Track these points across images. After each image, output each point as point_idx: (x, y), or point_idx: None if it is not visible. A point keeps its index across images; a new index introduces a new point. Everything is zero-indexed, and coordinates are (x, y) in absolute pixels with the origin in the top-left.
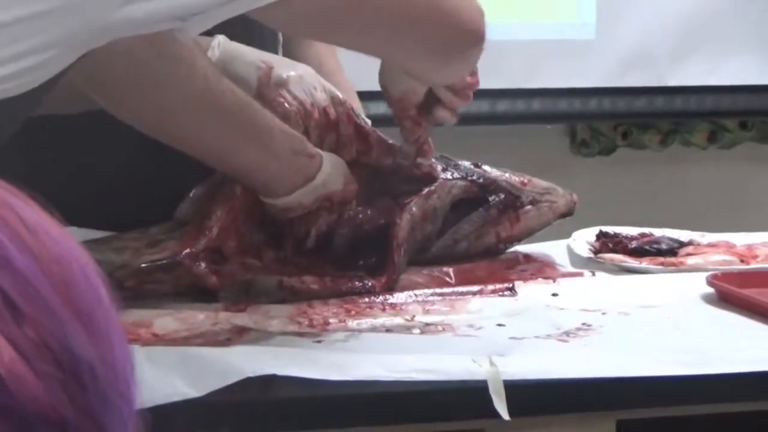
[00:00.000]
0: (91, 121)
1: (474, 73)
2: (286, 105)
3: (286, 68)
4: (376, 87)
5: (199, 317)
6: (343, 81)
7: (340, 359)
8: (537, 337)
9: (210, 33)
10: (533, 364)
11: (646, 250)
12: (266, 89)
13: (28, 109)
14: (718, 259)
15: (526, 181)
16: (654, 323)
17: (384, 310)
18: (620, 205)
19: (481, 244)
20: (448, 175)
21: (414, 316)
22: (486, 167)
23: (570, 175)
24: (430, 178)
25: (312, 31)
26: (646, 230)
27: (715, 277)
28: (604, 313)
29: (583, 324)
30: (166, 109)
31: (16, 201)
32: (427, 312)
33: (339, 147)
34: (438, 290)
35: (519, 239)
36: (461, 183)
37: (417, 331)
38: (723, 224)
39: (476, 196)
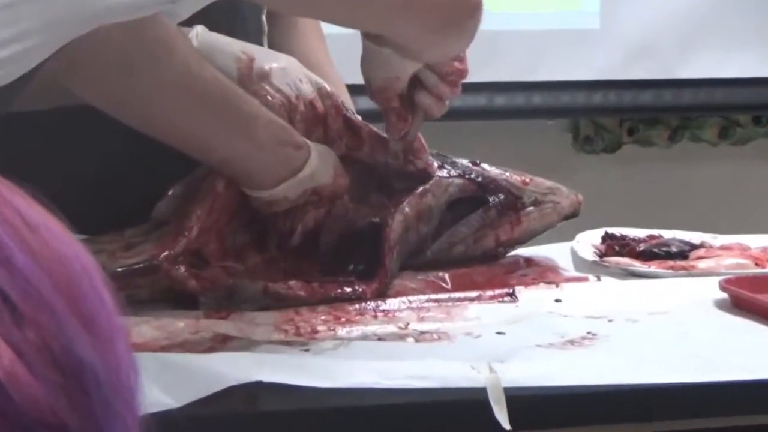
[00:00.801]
0: (60, 117)
1: (462, 60)
2: (269, 98)
3: (268, 59)
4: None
5: (179, 325)
6: (332, 73)
7: (329, 366)
8: (539, 345)
9: (189, 23)
10: (536, 371)
11: (654, 253)
12: (247, 82)
13: (7, 103)
14: (731, 263)
15: (527, 180)
16: (664, 330)
17: (376, 317)
18: (627, 206)
19: (479, 247)
20: (444, 173)
21: (408, 324)
22: (485, 165)
23: (573, 173)
24: (426, 175)
25: (305, 5)
26: (655, 232)
27: (728, 281)
28: (610, 321)
29: (589, 332)
30: (145, 95)
31: (17, 199)
32: (421, 319)
33: (327, 142)
34: (433, 296)
35: (520, 242)
36: (458, 181)
37: (411, 339)
38: (736, 225)
39: (474, 196)
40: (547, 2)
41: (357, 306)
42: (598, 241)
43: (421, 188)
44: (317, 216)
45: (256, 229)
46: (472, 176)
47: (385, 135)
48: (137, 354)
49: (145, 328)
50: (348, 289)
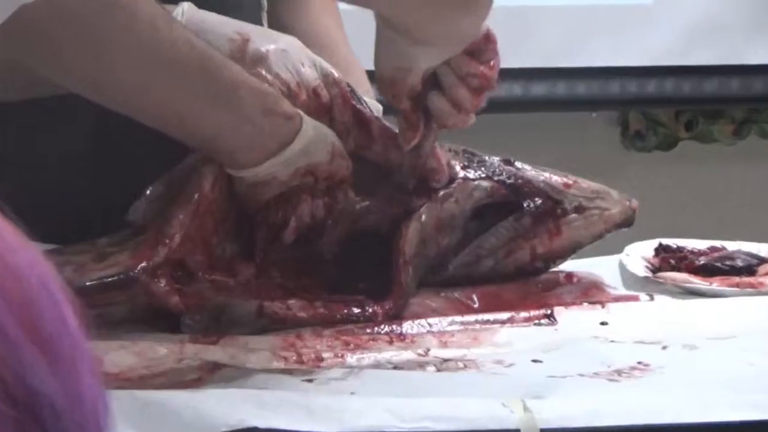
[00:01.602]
0: (18, 109)
1: (489, 64)
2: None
3: (266, 41)
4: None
5: (161, 351)
6: (347, 57)
7: (337, 404)
8: (582, 375)
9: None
10: (578, 408)
11: (717, 267)
12: (240, 66)
13: None
14: None
15: (570, 182)
16: (728, 359)
17: (391, 342)
18: (684, 212)
19: (511, 261)
20: (470, 174)
21: (428, 350)
22: (519, 164)
23: (620, 174)
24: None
25: None
26: (717, 243)
27: None
28: (665, 347)
29: (640, 362)
30: (106, 64)
31: None
32: (444, 345)
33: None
34: (458, 318)
35: (560, 256)
36: (486, 184)
37: (432, 368)
38: None
39: (506, 201)
40: None
41: (369, 329)
42: (650, 253)
43: (442, 192)
44: (315, 207)
45: (249, 238)
46: (504, 178)
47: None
48: (110, 391)
49: (121, 354)
50: (357, 310)
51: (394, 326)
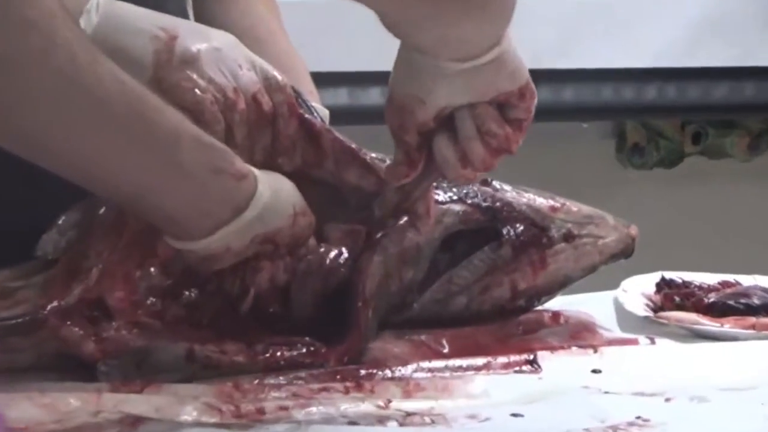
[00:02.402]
0: None
1: (516, 121)
2: (197, 92)
3: (196, 38)
4: (342, 66)
5: (73, 403)
6: (288, 51)
7: None
8: None
9: None
10: None
11: (729, 306)
12: (167, 69)
13: None
14: None
15: (558, 205)
16: (743, 414)
17: (346, 392)
18: (691, 240)
19: (488, 299)
20: (439, 196)
21: (389, 401)
22: (498, 184)
23: (617, 195)
24: None
25: None
26: (729, 277)
27: None
28: (668, 400)
29: (639, 417)
30: (14, 99)
31: None
32: (408, 395)
33: (276, 152)
34: (424, 364)
35: (546, 293)
36: (458, 208)
37: (394, 423)
38: None
39: (481, 228)
40: None
41: (319, 377)
42: (651, 289)
43: (405, 219)
44: (274, 271)
45: (178, 269)
46: (478, 200)
47: (353, 146)
48: None
49: (27, 407)
50: (305, 354)
51: (350, 373)
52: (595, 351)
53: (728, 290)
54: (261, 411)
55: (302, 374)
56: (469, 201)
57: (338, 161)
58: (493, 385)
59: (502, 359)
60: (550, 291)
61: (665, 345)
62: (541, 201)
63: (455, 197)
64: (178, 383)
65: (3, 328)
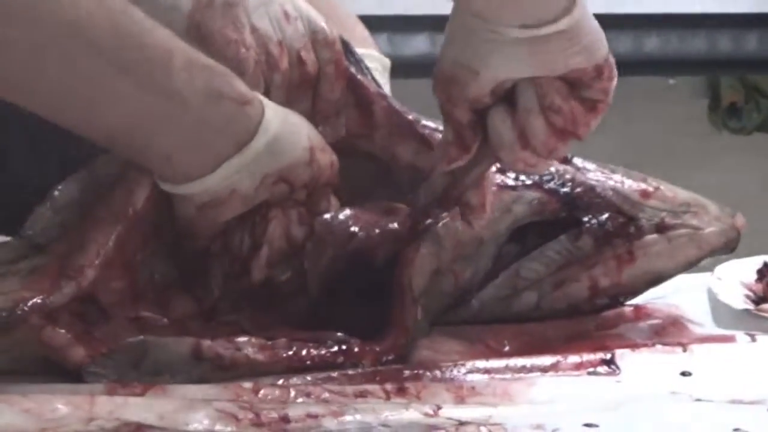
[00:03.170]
0: None
1: (589, 101)
2: (242, 49)
3: None
4: (381, 9)
5: (62, 409)
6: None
7: None
8: None
9: None
10: None
11: None
12: (207, 12)
13: None
14: None
15: (650, 189)
16: None
17: (387, 397)
18: None
19: (561, 297)
20: (508, 179)
21: (439, 408)
22: (580, 161)
23: (708, 164)
24: None
25: None
26: None
27: None
28: None
29: (736, 429)
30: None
31: None
32: (461, 401)
33: (316, 119)
34: (481, 363)
35: (632, 292)
36: (532, 195)
37: None
38: None
39: (556, 219)
40: None
41: (355, 378)
42: (751, 276)
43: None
44: (291, 228)
45: (188, 261)
46: (556, 185)
47: (411, 117)
48: None
49: (7, 414)
50: (336, 351)
51: (391, 374)
52: (684, 350)
53: None
54: (285, 419)
55: (334, 375)
56: (546, 186)
57: (391, 133)
58: (562, 390)
59: (573, 358)
60: (637, 290)
61: None
62: (631, 184)
63: (528, 181)
64: (188, 384)
65: None
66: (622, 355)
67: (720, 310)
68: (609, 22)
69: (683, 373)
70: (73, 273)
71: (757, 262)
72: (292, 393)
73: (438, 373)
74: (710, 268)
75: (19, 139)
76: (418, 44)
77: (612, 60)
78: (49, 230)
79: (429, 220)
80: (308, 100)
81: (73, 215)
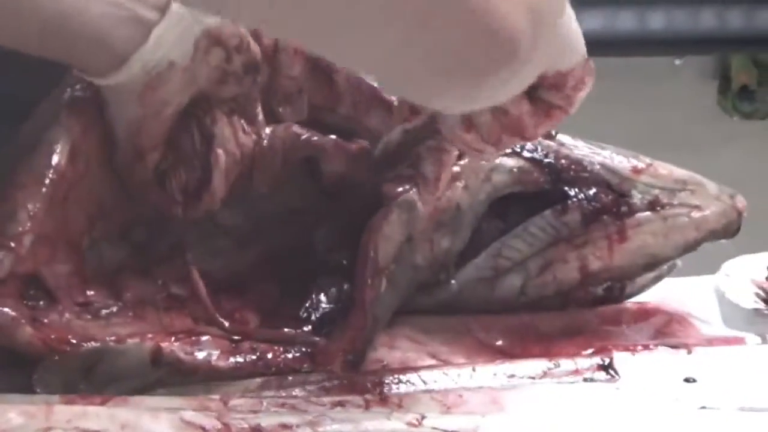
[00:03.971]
0: None
1: (545, 106)
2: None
3: None
4: None
5: (15, 420)
6: None
7: None
8: None
9: None
10: None
11: None
12: None
13: None
14: None
15: (642, 165)
16: None
17: (367, 406)
18: None
19: (549, 281)
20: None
21: (423, 418)
22: (564, 138)
23: (718, 151)
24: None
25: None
26: None
27: None
28: None
29: None
30: None
31: None
32: (447, 410)
33: (276, 99)
34: (468, 369)
35: (625, 275)
36: (511, 163)
37: None
38: None
39: (541, 192)
40: None
41: (331, 384)
42: (762, 274)
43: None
44: (239, 136)
45: (142, 233)
46: (538, 155)
47: (374, 85)
48: None
49: None
50: (301, 356)
51: (369, 380)
52: (689, 352)
53: None
54: (257, 429)
55: (311, 380)
56: (527, 155)
57: (356, 103)
58: (557, 398)
59: (568, 362)
60: (632, 273)
61: None
62: (621, 160)
63: (508, 150)
64: (148, 395)
65: None
66: (622, 360)
67: (728, 310)
68: None
69: (687, 380)
70: (8, 242)
71: (766, 257)
72: (265, 402)
73: (421, 379)
74: (717, 266)
75: None
76: None
77: (587, 69)
78: None
79: (402, 188)
80: (264, 78)
81: None
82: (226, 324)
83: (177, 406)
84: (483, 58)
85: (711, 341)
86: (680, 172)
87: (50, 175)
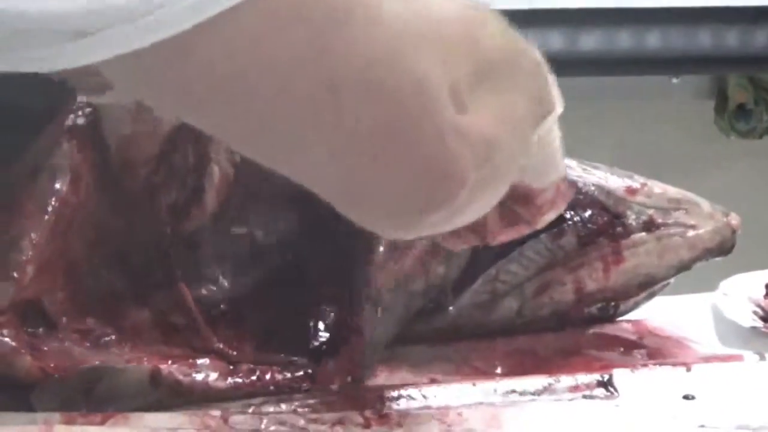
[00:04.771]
0: None
1: (530, 201)
2: None
3: None
4: None
5: None
6: None
7: None
8: None
9: None
10: None
11: None
12: None
13: None
14: None
15: (636, 186)
16: None
17: (367, 425)
18: None
19: (546, 302)
20: None
21: None
22: None
23: (714, 172)
24: None
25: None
26: None
27: None
28: None
29: None
30: None
31: None
32: (448, 428)
33: None
34: (467, 386)
35: (621, 297)
36: None
37: None
38: None
39: None
40: None
41: (331, 403)
42: (760, 291)
43: None
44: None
45: (140, 259)
46: None
47: None
48: None
49: None
50: (301, 375)
51: (369, 398)
52: (688, 370)
53: None
54: None
55: (310, 401)
56: None
57: None
58: (556, 415)
59: (567, 380)
60: (626, 294)
61: None
62: (615, 180)
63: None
64: (148, 412)
65: None
66: (621, 377)
67: (726, 328)
68: (608, 16)
69: (686, 397)
70: (12, 272)
71: (766, 275)
72: (265, 420)
73: (422, 397)
74: (713, 286)
75: None
76: None
77: (560, 192)
78: None
79: None
80: None
81: None
82: (225, 350)
83: (177, 424)
84: (426, 196)
85: (709, 359)
86: (674, 191)
87: (53, 203)
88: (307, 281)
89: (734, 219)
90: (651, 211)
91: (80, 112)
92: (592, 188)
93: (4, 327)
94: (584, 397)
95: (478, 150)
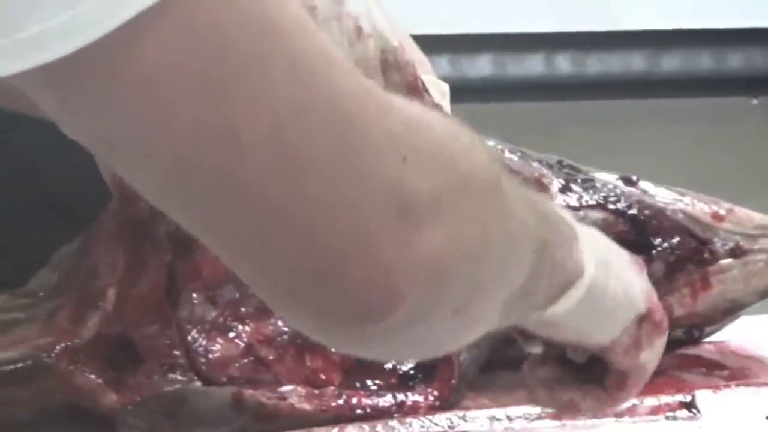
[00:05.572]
0: None
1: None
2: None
3: None
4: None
5: None
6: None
7: None
8: None
9: None
10: None
11: None
12: None
13: None
14: None
15: (722, 212)
16: None
17: None
18: None
19: None
20: (572, 199)
21: None
22: (645, 185)
23: None
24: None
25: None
26: None
27: None
28: None
29: None
30: None
31: None
32: None
33: None
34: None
35: (708, 322)
36: (596, 216)
37: None
38: None
39: (623, 242)
40: None
41: (414, 424)
42: None
43: None
44: None
45: (232, 291)
46: (622, 205)
47: None
48: None
49: None
50: (386, 399)
51: (454, 419)
52: None
53: None
54: None
55: (393, 425)
56: (611, 207)
57: None
58: None
59: (649, 401)
60: (713, 320)
61: None
62: (702, 207)
63: (592, 202)
64: None
65: None
66: (703, 398)
67: None
68: (689, 38)
69: None
70: (94, 301)
71: None
72: None
73: (505, 417)
74: None
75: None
76: (482, 66)
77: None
78: (60, 286)
79: None
80: None
81: (76, 258)
82: (312, 376)
83: None
84: (358, 310)
85: None
86: (759, 218)
87: (127, 226)
88: None
89: None
90: (737, 237)
91: None
92: (680, 215)
93: (90, 360)
94: (667, 418)
95: (424, 268)
